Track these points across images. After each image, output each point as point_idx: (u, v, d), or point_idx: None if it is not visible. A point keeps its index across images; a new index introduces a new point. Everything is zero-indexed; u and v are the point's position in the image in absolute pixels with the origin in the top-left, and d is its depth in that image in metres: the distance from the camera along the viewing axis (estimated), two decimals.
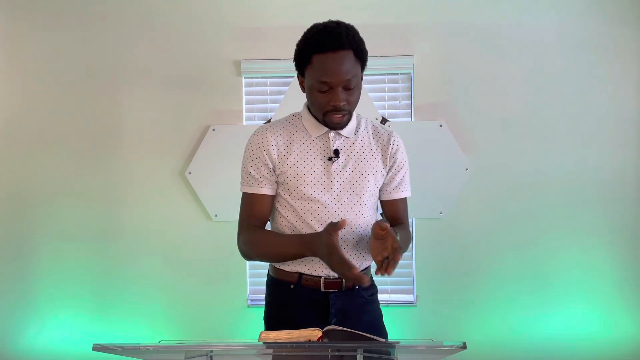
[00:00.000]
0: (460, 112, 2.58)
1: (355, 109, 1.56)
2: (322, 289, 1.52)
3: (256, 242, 1.51)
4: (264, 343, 1.35)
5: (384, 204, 1.63)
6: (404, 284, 2.68)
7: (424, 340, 1.24)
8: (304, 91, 1.52)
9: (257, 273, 2.69)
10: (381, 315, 1.65)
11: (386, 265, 1.32)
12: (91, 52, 2.63)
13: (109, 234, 2.68)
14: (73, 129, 2.65)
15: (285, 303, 1.57)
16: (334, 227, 1.32)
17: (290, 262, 1.54)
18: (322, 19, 2.52)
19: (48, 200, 2.67)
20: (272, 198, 1.56)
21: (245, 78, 2.63)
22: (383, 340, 1.30)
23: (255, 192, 1.54)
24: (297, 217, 1.52)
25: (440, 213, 2.58)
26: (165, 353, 1.29)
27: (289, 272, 1.55)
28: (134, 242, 2.68)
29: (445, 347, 1.16)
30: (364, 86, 2.56)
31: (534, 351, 2.62)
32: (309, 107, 1.55)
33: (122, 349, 1.23)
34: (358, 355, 1.21)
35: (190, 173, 2.60)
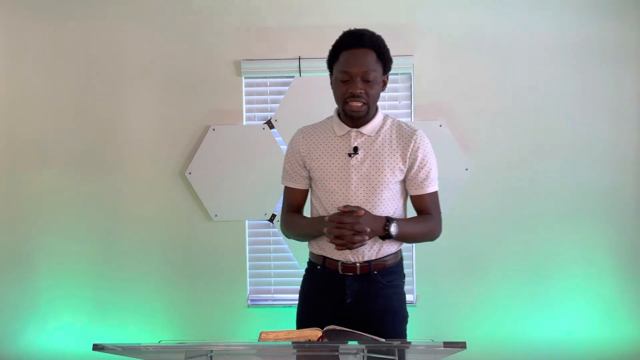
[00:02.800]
0: (460, 112, 2.58)
1: (380, 109, 1.76)
2: (340, 272, 1.71)
3: (287, 223, 1.81)
4: (264, 343, 1.35)
5: (412, 198, 1.77)
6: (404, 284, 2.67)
7: (424, 340, 1.24)
8: (332, 89, 1.72)
9: (257, 273, 2.69)
10: (400, 301, 1.78)
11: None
12: (91, 52, 2.63)
13: (109, 233, 2.68)
14: (73, 129, 2.65)
15: (313, 281, 1.80)
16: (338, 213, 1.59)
17: (317, 245, 1.76)
18: (321, 19, 2.55)
19: (48, 200, 2.67)
20: (304, 191, 1.82)
21: (245, 78, 2.63)
22: (383, 340, 1.30)
23: (288, 185, 1.82)
24: (322, 207, 1.74)
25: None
26: (165, 353, 1.29)
27: (316, 254, 1.77)
28: (134, 242, 2.67)
29: (445, 347, 1.16)
30: None
31: (534, 351, 2.62)
32: (338, 112, 1.75)
33: (122, 349, 1.23)
34: (358, 355, 1.21)
35: (190, 173, 2.60)
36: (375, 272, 1.71)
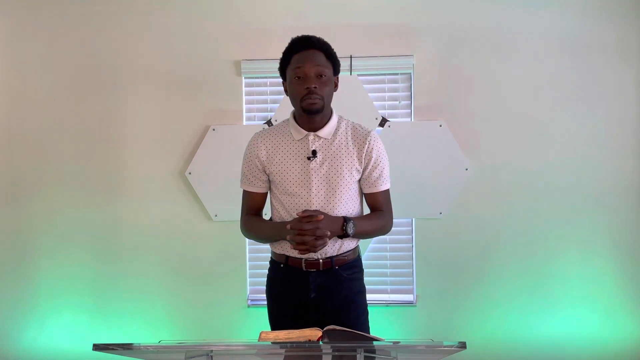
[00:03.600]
0: (460, 112, 2.58)
1: (337, 111, 1.82)
2: (304, 269, 1.78)
3: (247, 227, 1.88)
4: (264, 343, 1.35)
5: (366, 196, 1.86)
6: (404, 284, 2.68)
7: (424, 340, 1.24)
8: (288, 95, 1.78)
9: (257, 273, 2.69)
10: (360, 292, 1.86)
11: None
12: (91, 52, 2.63)
13: (109, 234, 2.68)
14: (73, 129, 2.65)
15: (277, 279, 1.87)
16: (300, 217, 1.65)
17: (279, 246, 1.83)
18: (321, 19, 2.55)
19: (48, 200, 2.67)
20: (263, 194, 1.88)
21: (245, 78, 2.63)
22: (383, 340, 1.30)
23: (247, 189, 1.88)
24: (283, 209, 1.80)
25: (440, 213, 2.58)
26: (165, 353, 1.29)
27: (278, 254, 1.84)
28: (134, 242, 2.68)
29: (445, 347, 1.16)
30: (365, 86, 2.56)
31: (534, 351, 2.62)
32: (294, 115, 1.81)
33: (122, 349, 1.23)
34: (358, 355, 1.21)
35: (190, 173, 2.60)
36: (337, 267, 1.79)
